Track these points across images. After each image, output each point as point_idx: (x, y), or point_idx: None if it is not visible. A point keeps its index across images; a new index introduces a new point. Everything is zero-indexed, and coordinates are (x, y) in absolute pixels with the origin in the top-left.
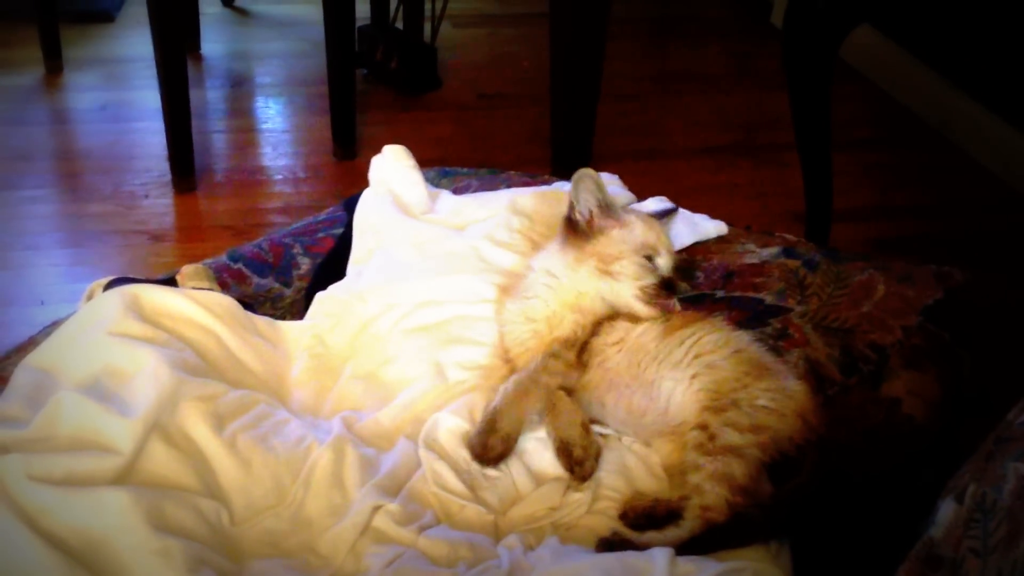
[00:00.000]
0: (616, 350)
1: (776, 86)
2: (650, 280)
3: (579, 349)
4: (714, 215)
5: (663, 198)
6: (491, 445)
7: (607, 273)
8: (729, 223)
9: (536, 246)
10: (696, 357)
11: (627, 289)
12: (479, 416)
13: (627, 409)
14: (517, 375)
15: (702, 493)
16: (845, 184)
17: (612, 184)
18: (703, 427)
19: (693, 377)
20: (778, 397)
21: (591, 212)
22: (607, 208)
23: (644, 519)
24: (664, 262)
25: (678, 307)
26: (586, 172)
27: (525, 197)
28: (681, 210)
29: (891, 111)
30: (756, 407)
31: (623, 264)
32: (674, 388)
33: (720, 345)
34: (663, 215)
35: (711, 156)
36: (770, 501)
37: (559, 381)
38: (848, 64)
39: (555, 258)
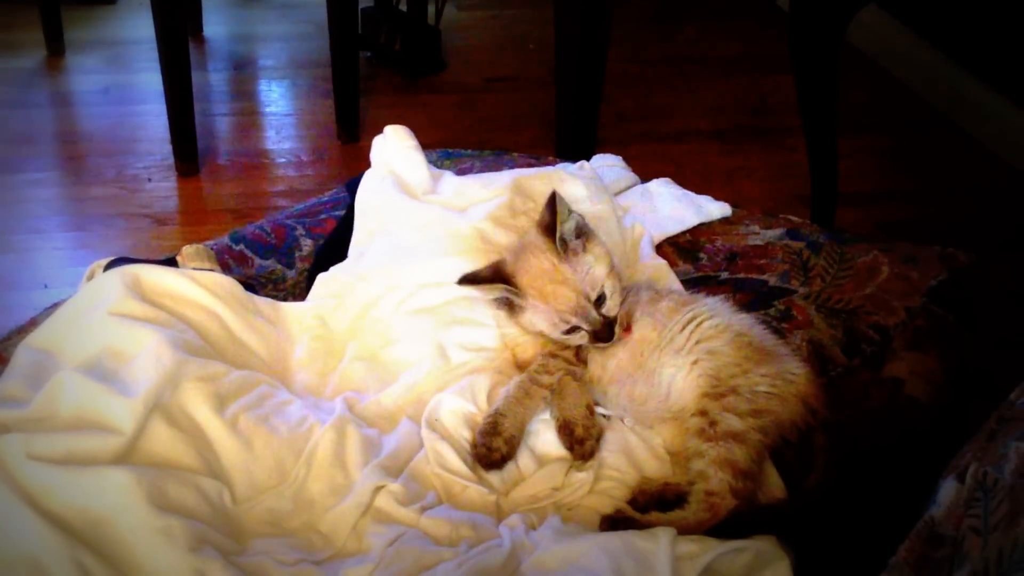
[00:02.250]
0: (617, 343)
1: (782, 69)
2: (584, 342)
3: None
4: (719, 197)
5: (668, 180)
6: (495, 447)
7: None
8: (734, 205)
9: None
10: (697, 343)
11: (577, 342)
12: (481, 397)
13: (629, 397)
14: (519, 377)
15: (706, 479)
16: (851, 167)
17: (616, 166)
18: (703, 413)
19: (694, 363)
20: (778, 382)
21: (508, 300)
22: (516, 292)
23: (653, 502)
24: (582, 322)
25: (623, 334)
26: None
27: (529, 178)
28: (685, 192)
29: (898, 94)
30: (756, 392)
31: (552, 336)
32: (675, 375)
33: (721, 330)
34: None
35: (717, 139)
36: (793, 501)
37: (560, 378)
38: (855, 47)
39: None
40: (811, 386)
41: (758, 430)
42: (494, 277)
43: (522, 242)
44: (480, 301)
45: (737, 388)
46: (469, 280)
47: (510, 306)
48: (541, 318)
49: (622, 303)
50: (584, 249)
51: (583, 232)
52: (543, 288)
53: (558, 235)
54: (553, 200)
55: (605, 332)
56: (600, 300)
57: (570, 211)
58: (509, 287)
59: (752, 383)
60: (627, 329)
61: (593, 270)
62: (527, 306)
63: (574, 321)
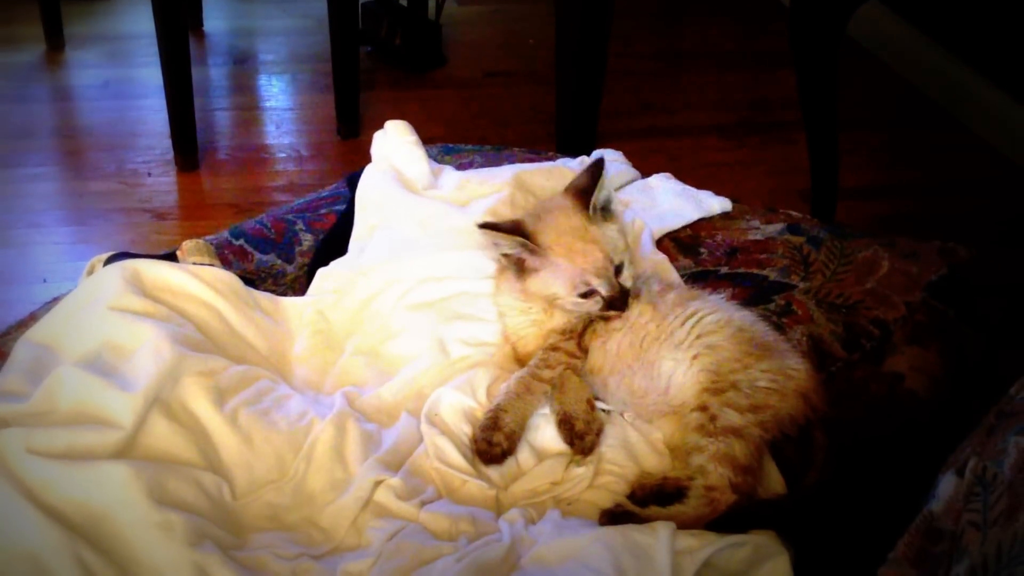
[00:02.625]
0: (619, 332)
1: (782, 64)
2: (594, 309)
3: (579, 334)
4: (720, 192)
5: (668, 175)
6: (495, 442)
7: (555, 307)
8: (734, 200)
9: None
10: (697, 338)
11: (587, 309)
12: (482, 392)
13: (629, 390)
14: (519, 372)
15: (705, 474)
16: (851, 162)
17: (617, 161)
18: (703, 408)
19: (694, 358)
20: (779, 377)
21: (519, 255)
22: (535, 248)
23: (652, 496)
24: (602, 285)
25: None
26: None
27: (529, 173)
28: (685, 187)
29: (898, 89)
30: (756, 388)
31: (563, 303)
32: (675, 369)
33: (722, 325)
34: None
35: (717, 134)
36: (793, 497)
37: (562, 372)
38: (855, 41)
39: (507, 296)
40: (811, 381)
41: (758, 425)
42: (514, 230)
43: (543, 205)
44: (480, 296)
45: (737, 383)
46: (490, 226)
47: (520, 267)
48: (560, 277)
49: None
50: (607, 219)
51: (608, 207)
52: (571, 244)
53: (594, 199)
54: (596, 166)
55: (620, 300)
56: (619, 269)
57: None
58: (528, 242)
59: (752, 378)
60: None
61: (616, 238)
62: (544, 265)
63: (595, 283)
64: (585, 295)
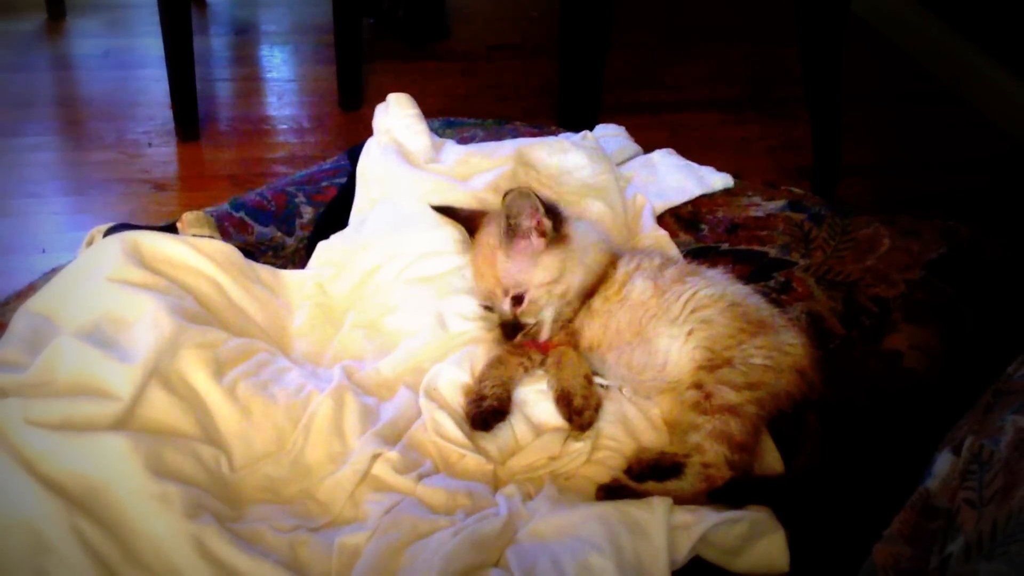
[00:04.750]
0: (619, 308)
1: (787, 40)
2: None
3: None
4: (722, 168)
5: (670, 150)
6: (484, 397)
7: None
8: (736, 176)
9: None
10: (692, 312)
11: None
12: (480, 368)
13: (627, 366)
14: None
15: (702, 451)
16: (854, 139)
17: (618, 136)
18: (699, 386)
19: (689, 333)
20: (774, 354)
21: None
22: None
23: (649, 471)
24: (492, 307)
25: (527, 345)
26: None
27: (531, 147)
28: (687, 162)
29: (902, 65)
30: (751, 365)
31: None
32: (671, 345)
33: (715, 299)
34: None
35: (720, 109)
36: (789, 476)
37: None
38: (860, 17)
39: None
40: (808, 359)
41: (754, 403)
42: (461, 220)
43: (497, 212)
44: None
45: (732, 360)
46: (444, 210)
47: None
48: (472, 278)
49: (557, 318)
50: (540, 251)
51: (548, 236)
52: (476, 258)
53: (505, 224)
54: (519, 194)
55: (506, 329)
56: (518, 300)
57: (540, 211)
58: (467, 235)
59: (747, 355)
60: (538, 345)
61: (529, 272)
62: (468, 263)
63: (485, 303)
64: (487, 308)
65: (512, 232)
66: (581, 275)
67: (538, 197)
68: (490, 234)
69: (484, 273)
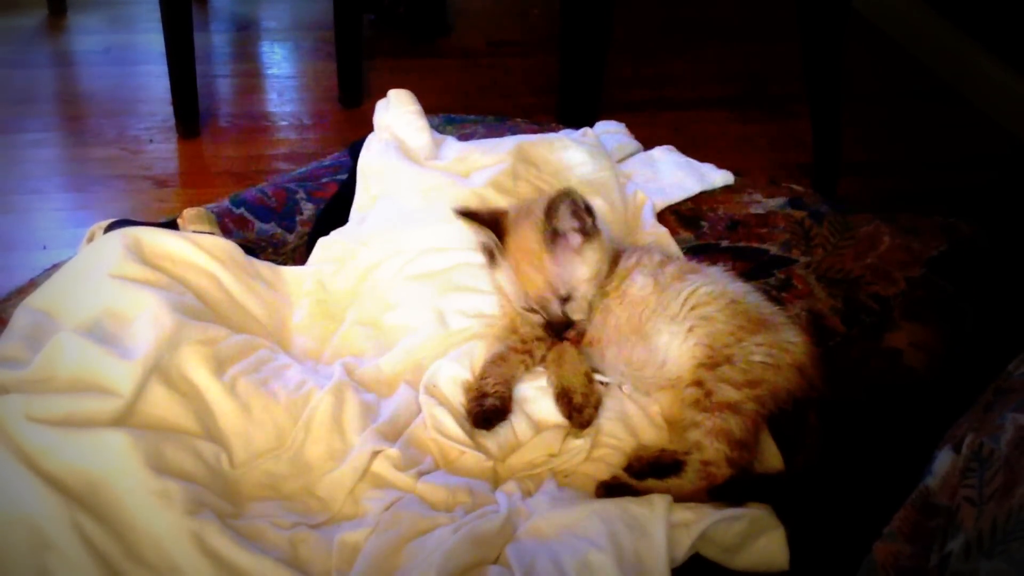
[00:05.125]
0: (617, 303)
1: (788, 37)
2: (539, 322)
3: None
4: (722, 165)
5: (670, 147)
6: (486, 395)
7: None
8: (737, 173)
9: (541, 194)
10: (692, 309)
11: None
12: (480, 364)
13: (627, 362)
14: (496, 348)
15: (702, 449)
16: (854, 136)
17: (619, 133)
18: (698, 384)
19: (689, 330)
20: (774, 351)
21: (488, 246)
22: (501, 249)
23: (649, 469)
24: (542, 310)
25: (573, 339)
26: None
27: (531, 144)
28: (688, 159)
29: (903, 63)
30: (751, 363)
31: (514, 303)
32: (670, 342)
33: (715, 296)
34: None
35: (720, 106)
36: (789, 474)
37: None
38: (861, 14)
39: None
40: (808, 356)
41: (754, 400)
42: (489, 223)
43: (528, 206)
44: (480, 267)
45: (731, 357)
46: (468, 214)
47: (491, 255)
48: (510, 285)
49: (591, 312)
50: (580, 247)
51: (589, 232)
52: (519, 263)
53: (549, 228)
54: (559, 197)
55: (556, 328)
56: (568, 298)
57: (582, 210)
58: (496, 239)
59: (747, 352)
60: (575, 340)
61: (575, 270)
62: (503, 267)
63: (534, 306)
64: (529, 310)
65: (555, 234)
66: (608, 264)
67: (578, 196)
68: (528, 239)
69: (531, 278)
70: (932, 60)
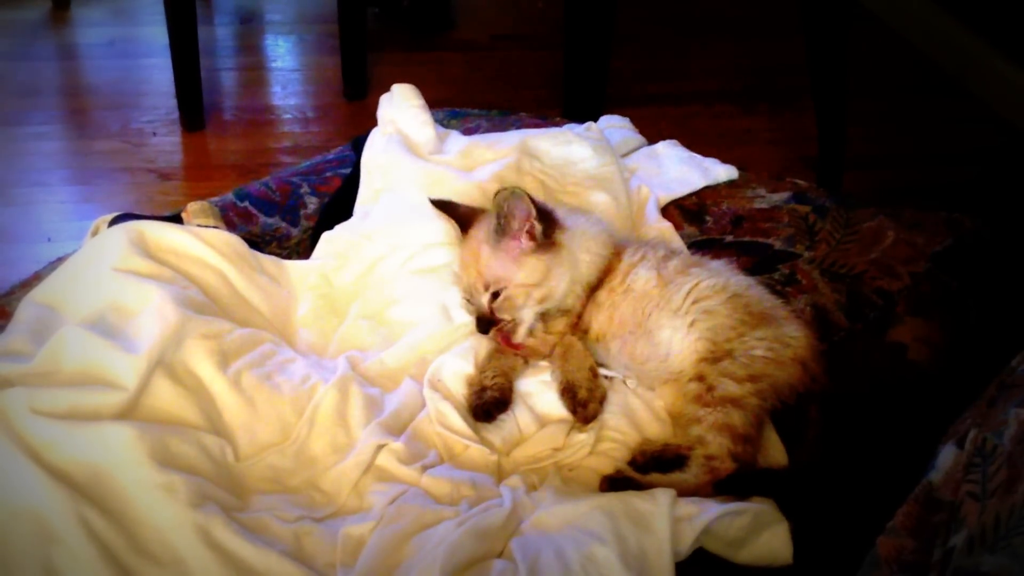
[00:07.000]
0: (622, 298)
1: (792, 31)
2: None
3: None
4: (726, 160)
5: (675, 142)
6: (485, 388)
7: None
8: (741, 168)
9: (545, 189)
10: (694, 303)
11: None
12: (484, 359)
13: (630, 356)
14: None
15: (705, 444)
16: (859, 131)
17: (623, 128)
18: (701, 378)
19: (691, 324)
20: (775, 346)
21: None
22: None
23: (653, 463)
24: (474, 300)
25: (502, 341)
26: None
27: (536, 138)
28: (692, 154)
29: (908, 57)
30: (753, 357)
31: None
32: (673, 336)
33: (717, 290)
34: None
35: (724, 101)
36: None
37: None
38: (866, 9)
39: None
40: (809, 350)
41: (756, 395)
42: (456, 215)
43: (489, 214)
44: None
45: (733, 352)
46: (441, 204)
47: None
48: (458, 270)
49: (538, 316)
50: (527, 253)
51: (551, 240)
52: (463, 251)
53: (495, 220)
54: (511, 192)
55: (481, 323)
56: (496, 295)
57: (534, 217)
58: (460, 230)
59: (748, 347)
60: (511, 345)
61: (508, 270)
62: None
63: (465, 295)
64: (467, 298)
65: (502, 230)
66: (567, 283)
67: (533, 201)
68: (480, 229)
69: (468, 265)
70: (937, 55)
